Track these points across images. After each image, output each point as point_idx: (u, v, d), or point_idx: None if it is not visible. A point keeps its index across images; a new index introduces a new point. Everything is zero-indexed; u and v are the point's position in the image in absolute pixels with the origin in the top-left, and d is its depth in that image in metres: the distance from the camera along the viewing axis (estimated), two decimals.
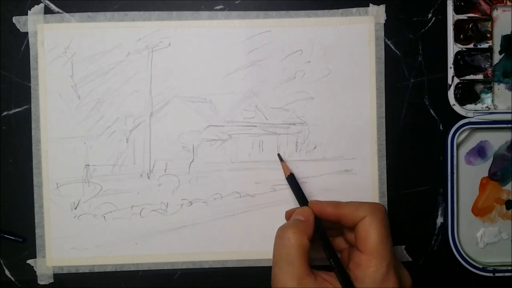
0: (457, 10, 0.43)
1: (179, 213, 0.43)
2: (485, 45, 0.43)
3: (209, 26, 0.43)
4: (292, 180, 0.41)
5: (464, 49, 0.43)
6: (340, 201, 0.38)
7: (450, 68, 0.43)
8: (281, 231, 0.36)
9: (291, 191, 0.42)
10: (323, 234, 0.38)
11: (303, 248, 0.35)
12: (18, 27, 0.43)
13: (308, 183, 0.43)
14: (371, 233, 0.34)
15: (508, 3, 0.44)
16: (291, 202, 0.43)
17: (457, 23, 0.43)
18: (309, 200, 0.40)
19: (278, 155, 0.43)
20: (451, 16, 0.43)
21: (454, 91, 0.43)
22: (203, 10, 0.43)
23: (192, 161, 0.43)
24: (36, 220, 0.43)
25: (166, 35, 0.43)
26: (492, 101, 0.44)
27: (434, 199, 0.44)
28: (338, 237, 0.40)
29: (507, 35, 0.44)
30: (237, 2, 0.43)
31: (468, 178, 0.44)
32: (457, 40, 0.43)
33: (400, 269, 0.36)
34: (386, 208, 0.36)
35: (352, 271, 0.35)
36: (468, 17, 0.43)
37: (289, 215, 0.41)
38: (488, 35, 0.43)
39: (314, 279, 0.34)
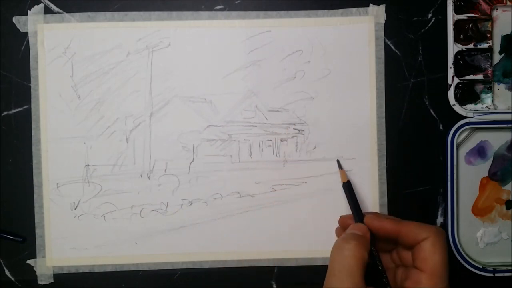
0: (457, 10, 0.43)
1: (179, 213, 0.43)
2: (485, 45, 0.43)
3: (209, 26, 0.43)
4: (348, 188, 0.41)
5: (464, 49, 0.43)
6: (396, 218, 0.38)
7: (450, 68, 0.43)
8: (342, 242, 0.36)
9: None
10: (377, 251, 0.38)
11: (363, 261, 0.35)
12: (18, 27, 0.43)
13: (308, 183, 0.43)
14: (435, 254, 0.35)
15: (508, 3, 0.44)
16: (291, 202, 0.43)
17: (457, 23, 0.43)
18: (364, 213, 0.40)
19: (338, 161, 0.43)
20: (451, 16, 0.43)
21: (454, 91, 0.43)
22: (203, 10, 0.43)
23: (192, 161, 0.43)
24: (36, 220, 0.43)
25: (166, 35, 0.43)
26: (492, 101, 0.44)
27: (434, 199, 0.44)
28: (384, 255, 0.40)
29: (507, 35, 0.44)
30: (237, 2, 0.43)
31: (468, 178, 0.44)
32: (457, 40, 0.43)
33: None
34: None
35: None
36: (468, 17, 0.43)
37: (343, 221, 0.41)
38: (488, 35, 0.43)
39: None
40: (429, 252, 0.35)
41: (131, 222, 0.43)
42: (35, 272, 0.43)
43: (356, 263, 0.34)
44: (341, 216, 0.42)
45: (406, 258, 0.37)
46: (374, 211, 0.43)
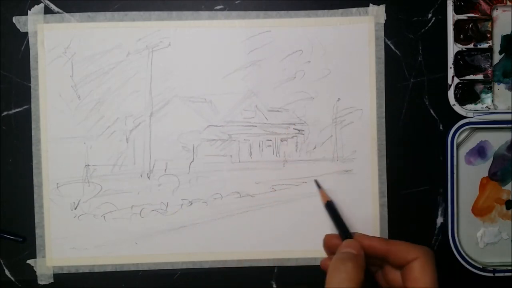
0: (457, 10, 0.43)
1: (179, 213, 0.43)
2: (485, 45, 0.43)
3: (209, 26, 0.43)
4: (331, 208, 0.41)
5: (464, 49, 0.43)
6: (385, 238, 0.37)
7: (450, 68, 0.43)
8: (338, 263, 0.35)
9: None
10: (368, 270, 0.37)
11: (360, 282, 0.34)
12: (18, 27, 0.43)
13: (308, 183, 0.43)
14: (425, 275, 0.34)
15: (508, 3, 0.44)
16: (291, 202, 0.43)
17: (457, 23, 0.43)
18: (352, 232, 0.38)
19: (316, 181, 0.43)
20: (451, 16, 0.43)
21: (454, 91, 0.43)
22: (203, 10, 0.43)
23: (192, 161, 0.43)
24: (36, 220, 0.43)
25: (166, 35, 0.43)
26: (492, 101, 0.44)
27: (434, 199, 0.44)
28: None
29: (507, 35, 0.44)
30: (237, 2, 0.43)
31: (468, 178, 0.44)
32: (457, 40, 0.43)
33: None
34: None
35: None
36: (468, 17, 0.43)
37: (328, 240, 0.39)
38: (488, 35, 0.43)
39: None
40: (420, 273, 0.35)
41: (131, 222, 0.43)
42: (35, 272, 0.43)
43: (354, 286, 0.34)
44: (326, 235, 0.40)
45: (394, 279, 0.37)
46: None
